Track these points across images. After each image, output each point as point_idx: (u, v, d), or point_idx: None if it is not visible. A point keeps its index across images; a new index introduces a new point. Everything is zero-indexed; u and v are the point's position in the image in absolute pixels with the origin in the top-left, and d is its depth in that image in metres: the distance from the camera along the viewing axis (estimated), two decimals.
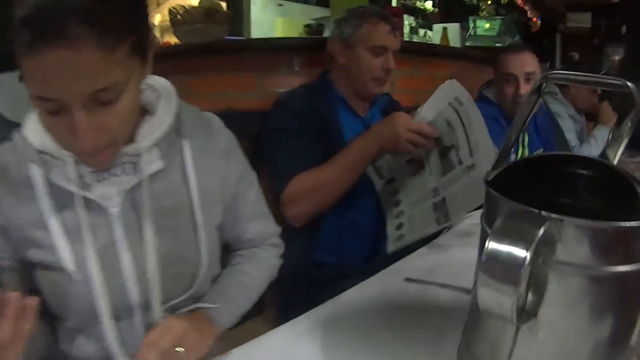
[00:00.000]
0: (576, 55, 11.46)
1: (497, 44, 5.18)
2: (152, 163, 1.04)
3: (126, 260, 1.03)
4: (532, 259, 0.62)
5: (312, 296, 1.30)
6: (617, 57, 12.25)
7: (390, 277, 1.42)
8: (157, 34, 6.22)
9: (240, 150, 1.27)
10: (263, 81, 2.30)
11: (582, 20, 13.32)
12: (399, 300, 1.28)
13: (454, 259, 1.53)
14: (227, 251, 1.34)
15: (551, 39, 14.42)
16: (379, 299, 1.28)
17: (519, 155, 2.42)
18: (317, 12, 5.96)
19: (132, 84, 0.91)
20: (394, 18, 2.02)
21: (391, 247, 1.81)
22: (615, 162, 0.86)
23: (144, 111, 1.08)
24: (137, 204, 1.04)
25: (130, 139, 1.02)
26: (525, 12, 10.60)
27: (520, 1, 9.61)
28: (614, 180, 0.82)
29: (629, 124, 0.87)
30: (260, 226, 1.34)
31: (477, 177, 1.53)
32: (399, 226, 1.81)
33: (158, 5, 7.89)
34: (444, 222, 1.65)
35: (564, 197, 0.87)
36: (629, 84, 0.79)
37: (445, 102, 1.58)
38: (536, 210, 0.67)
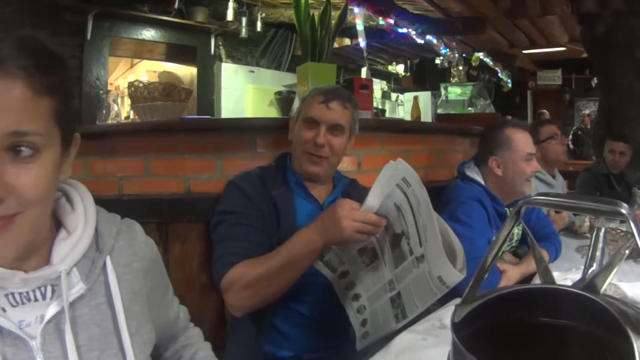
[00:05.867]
0: (546, 113, 11.62)
1: (470, 109, 5.15)
2: (73, 287, 0.92)
3: None
4: None
5: None
6: (587, 111, 12.49)
7: None
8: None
9: (160, 257, 1.18)
10: (224, 163, 2.18)
11: (552, 77, 13.61)
12: None
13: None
14: None
15: (523, 96, 14.71)
16: None
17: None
18: (288, 78, 5.94)
19: (50, 155, 0.83)
20: (337, 92, 1.94)
21: (358, 345, 1.69)
22: (602, 291, 0.75)
23: (58, 223, 0.97)
24: (60, 335, 0.89)
25: (47, 260, 0.91)
26: (497, 72, 10.75)
27: (491, 63, 9.71)
28: (598, 308, 0.71)
29: (623, 252, 0.76)
30: (181, 315, 1.32)
31: (426, 272, 1.42)
32: (364, 322, 1.69)
33: (132, 66, 7.89)
34: (401, 319, 1.53)
35: (544, 315, 0.75)
36: (623, 210, 0.66)
37: (392, 184, 1.45)
38: None
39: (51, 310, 0.89)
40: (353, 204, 1.52)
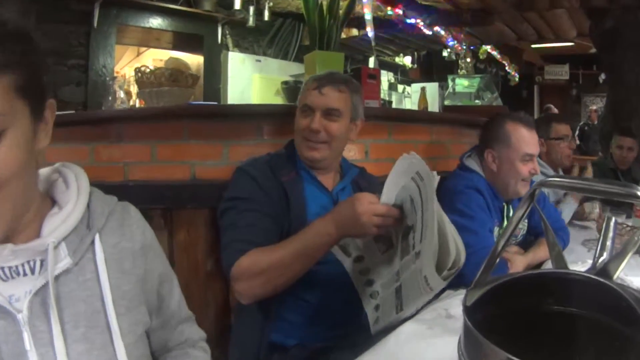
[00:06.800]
0: (553, 108, 11.55)
1: (477, 102, 5.13)
2: (60, 261, 0.94)
3: None
4: None
5: None
6: (594, 107, 12.44)
7: None
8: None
9: (159, 246, 1.17)
10: (230, 149, 2.17)
11: (559, 72, 13.55)
12: None
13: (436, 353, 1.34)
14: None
15: (530, 91, 14.65)
16: None
17: (503, 227, 2.29)
18: (295, 68, 5.91)
19: (18, 130, 0.84)
20: (331, 76, 1.92)
21: (373, 329, 1.68)
22: (615, 277, 0.74)
23: (52, 202, 1.00)
24: (46, 309, 0.91)
25: (37, 234, 0.93)
26: (504, 66, 10.71)
27: (499, 56, 9.66)
28: (610, 294, 0.69)
29: (637, 239, 0.75)
30: (187, 331, 1.24)
31: (419, 269, 1.40)
32: (377, 307, 1.68)
33: (138, 55, 7.88)
34: (399, 311, 1.52)
35: (555, 301, 0.74)
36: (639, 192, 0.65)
37: (408, 177, 1.44)
38: None
39: (37, 283, 0.90)
40: (371, 198, 1.51)
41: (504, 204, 2.33)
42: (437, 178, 1.38)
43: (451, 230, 1.41)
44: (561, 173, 3.47)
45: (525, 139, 2.23)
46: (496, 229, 2.26)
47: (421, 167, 1.39)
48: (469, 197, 2.16)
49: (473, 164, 2.34)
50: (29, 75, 0.85)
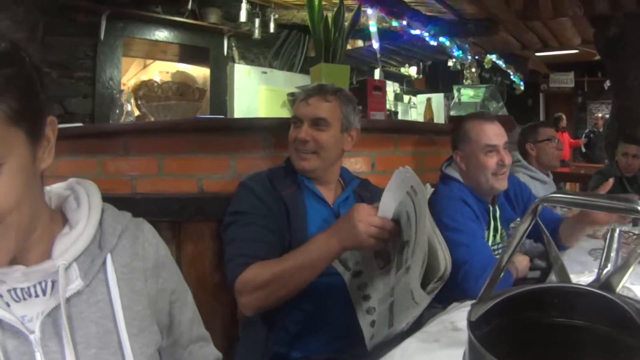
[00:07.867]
0: (563, 117, 11.51)
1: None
2: (72, 282, 0.92)
3: None
4: None
5: None
6: (600, 114, 12.40)
7: None
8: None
9: (173, 264, 1.14)
10: (237, 162, 2.19)
11: (565, 80, 13.53)
12: None
13: None
14: None
15: (535, 99, 14.64)
16: None
17: (491, 228, 2.28)
18: (301, 80, 5.94)
19: (14, 159, 0.79)
20: (319, 87, 1.95)
21: (368, 344, 1.68)
22: (617, 290, 0.75)
23: (64, 219, 0.98)
24: (58, 330, 0.90)
25: (48, 254, 0.92)
26: (509, 75, 10.69)
27: (503, 65, 9.66)
28: (613, 307, 0.70)
29: (639, 251, 0.76)
30: (198, 352, 1.20)
31: (407, 282, 1.41)
32: (372, 323, 1.68)
33: (145, 67, 7.91)
34: (390, 326, 1.54)
35: (559, 315, 0.75)
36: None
37: (403, 191, 1.45)
38: None
39: (49, 305, 0.90)
40: (370, 210, 1.52)
41: (489, 205, 2.32)
42: (431, 190, 1.39)
43: (441, 243, 1.41)
44: (551, 176, 3.60)
45: (484, 131, 2.24)
46: (485, 233, 2.26)
47: (415, 182, 1.39)
48: (454, 209, 2.14)
49: (452, 171, 2.33)
50: (21, 99, 0.79)
